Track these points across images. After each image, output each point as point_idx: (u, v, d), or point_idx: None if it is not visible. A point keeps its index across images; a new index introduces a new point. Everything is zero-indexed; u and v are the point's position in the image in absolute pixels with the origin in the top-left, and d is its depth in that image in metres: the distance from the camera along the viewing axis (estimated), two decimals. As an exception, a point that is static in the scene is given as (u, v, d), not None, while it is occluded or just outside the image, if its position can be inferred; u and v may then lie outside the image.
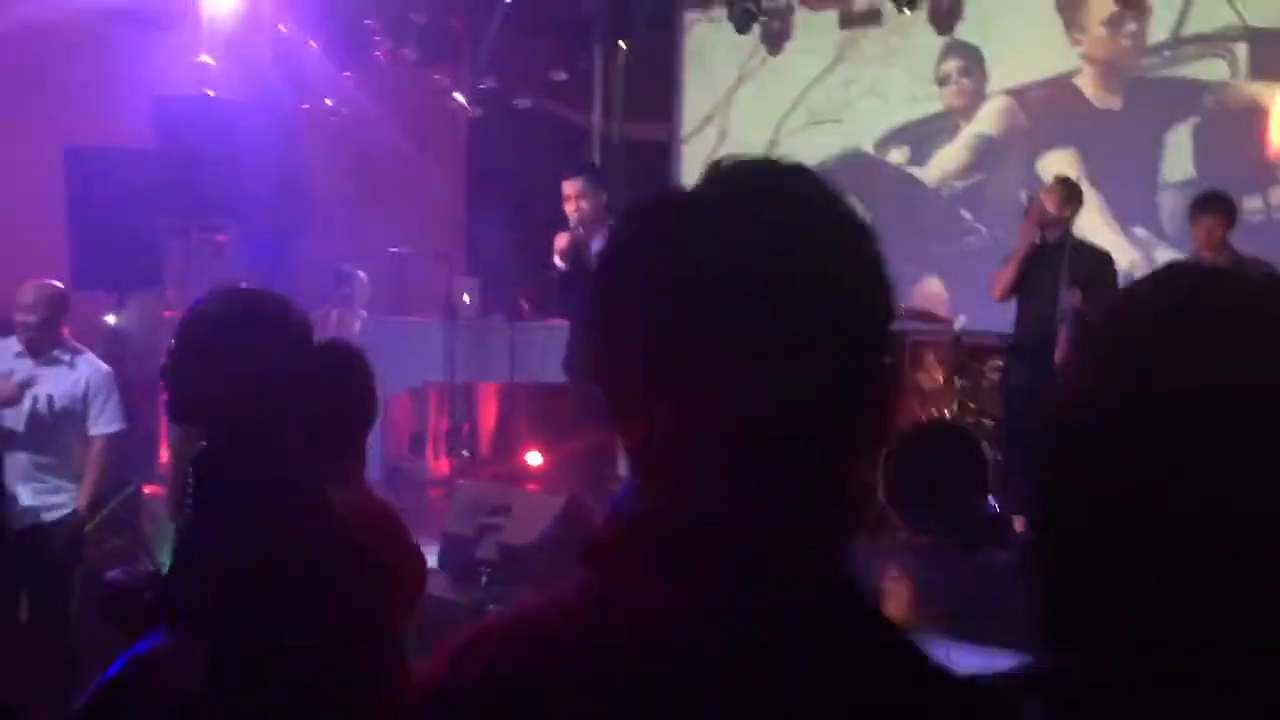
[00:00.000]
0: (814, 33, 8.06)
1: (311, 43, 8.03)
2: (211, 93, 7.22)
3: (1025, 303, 5.66)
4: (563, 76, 8.43)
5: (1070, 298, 5.34)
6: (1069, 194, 5.63)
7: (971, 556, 5.92)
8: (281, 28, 8.08)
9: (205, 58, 7.60)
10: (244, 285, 2.26)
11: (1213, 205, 5.57)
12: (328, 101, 7.80)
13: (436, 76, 8.52)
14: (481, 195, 9.41)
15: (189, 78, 7.43)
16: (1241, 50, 6.60)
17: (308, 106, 7.81)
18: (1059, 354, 5.32)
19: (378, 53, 8.02)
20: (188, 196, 6.85)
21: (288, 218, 8.69)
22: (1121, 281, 6.67)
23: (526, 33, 8.55)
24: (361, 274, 8.09)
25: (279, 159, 8.57)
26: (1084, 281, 5.39)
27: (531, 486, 6.77)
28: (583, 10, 8.70)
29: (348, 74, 7.96)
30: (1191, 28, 6.74)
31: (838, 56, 8.01)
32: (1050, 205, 5.58)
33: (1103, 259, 5.65)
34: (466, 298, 7.87)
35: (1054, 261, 5.49)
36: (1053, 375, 5.37)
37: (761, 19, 8.14)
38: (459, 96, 8.71)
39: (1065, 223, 5.60)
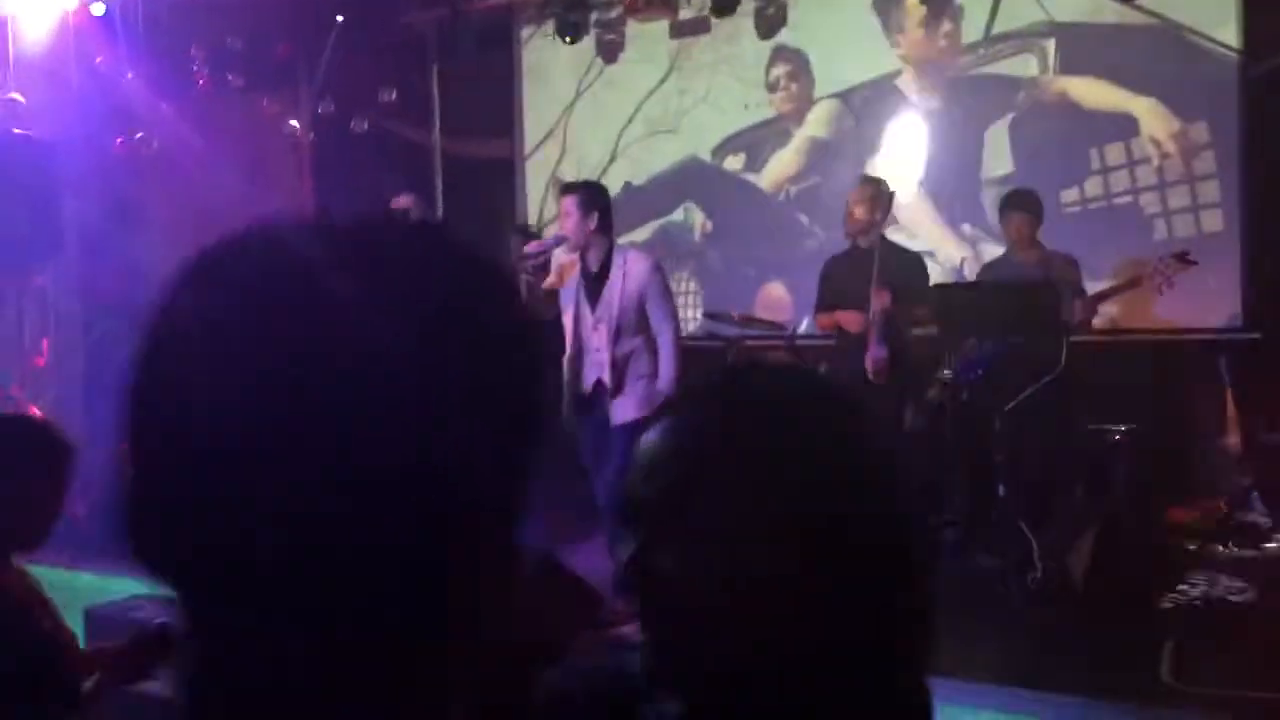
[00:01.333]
0: (647, 43, 8.04)
1: (129, 74, 7.76)
2: (18, 130, 6.94)
3: (837, 309, 5.66)
4: (392, 96, 8.27)
5: (879, 300, 5.36)
6: (876, 195, 5.62)
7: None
8: (98, 60, 7.80)
9: (15, 95, 7.30)
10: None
11: (1019, 203, 5.67)
12: (138, 135, 7.53)
13: (265, 103, 8.31)
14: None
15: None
16: (1050, 45, 6.75)
17: (121, 140, 7.55)
18: (869, 359, 5.36)
19: (199, 81, 7.77)
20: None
21: (121, 257, 8.42)
22: (951, 277, 6.80)
23: (360, 53, 8.39)
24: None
25: (106, 196, 8.31)
26: (895, 285, 5.41)
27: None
28: (415, 28, 8.55)
29: (165, 105, 7.70)
30: (1002, 25, 6.88)
31: (671, 66, 8.01)
32: (858, 210, 5.58)
33: (913, 261, 5.69)
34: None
35: (865, 266, 5.49)
36: (864, 379, 5.45)
37: (595, 30, 8.13)
38: (293, 123, 8.51)
39: (876, 226, 5.60)
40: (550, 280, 5.01)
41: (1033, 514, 5.12)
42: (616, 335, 4.86)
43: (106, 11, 7.68)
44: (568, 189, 5.14)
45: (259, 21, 8.22)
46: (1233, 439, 5.85)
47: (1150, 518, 5.45)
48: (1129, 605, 4.65)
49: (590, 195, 5.01)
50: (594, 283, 4.94)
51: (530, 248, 5.07)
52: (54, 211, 6.95)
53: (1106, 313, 5.90)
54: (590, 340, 4.89)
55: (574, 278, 4.97)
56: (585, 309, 4.92)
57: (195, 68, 7.69)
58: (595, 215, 4.90)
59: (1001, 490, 5.15)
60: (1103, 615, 4.68)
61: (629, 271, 4.91)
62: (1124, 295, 5.65)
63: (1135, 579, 4.73)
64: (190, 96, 8.14)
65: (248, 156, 8.66)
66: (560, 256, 5.12)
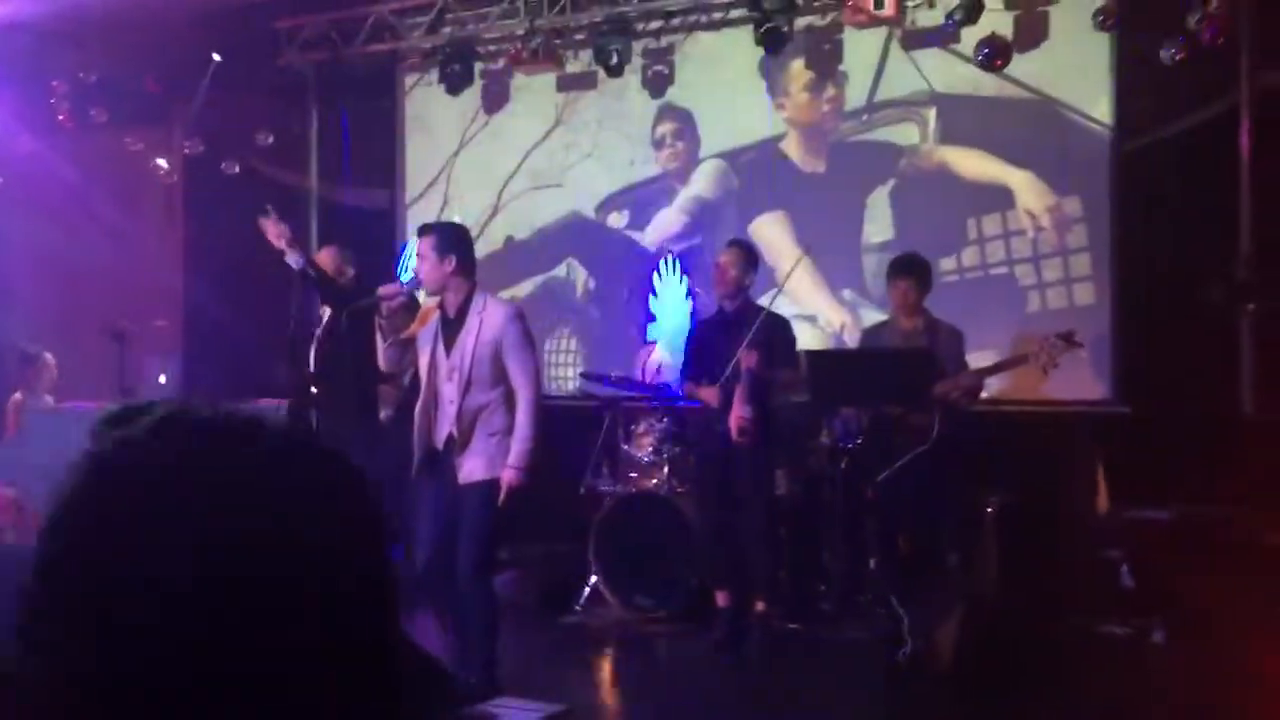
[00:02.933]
0: (533, 96, 7.92)
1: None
2: None
3: (704, 374, 5.53)
4: (269, 140, 8.00)
5: (747, 360, 5.25)
6: (744, 258, 5.56)
7: (680, 637, 5.77)
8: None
9: None
10: None
11: (906, 269, 5.63)
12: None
13: (127, 140, 7.96)
14: (198, 264, 8.88)
15: None
16: (931, 115, 6.79)
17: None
18: (732, 418, 5.24)
19: (60, 115, 7.41)
20: None
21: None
22: (829, 344, 6.75)
23: (236, 94, 8.11)
24: (48, 355, 7.42)
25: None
26: (759, 346, 5.31)
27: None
28: (294, 70, 8.30)
29: (25, 137, 7.32)
30: (885, 93, 6.91)
31: (557, 119, 7.90)
32: (728, 273, 5.49)
33: (780, 324, 5.60)
34: (163, 378, 7.31)
35: (733, 329, 5.39)
36: (725, 440, 5.32)
37: (480, 81, 7.98)
38: (161, 161, 8.17)
39: (744, 289, 5.52)
40: (412, 329, 4.69)
41: (904, 587, 5.03)
42: (467, 387, 4.47)
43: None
44: (424, 230, 4.79)
45: (128, 56, 7.90)
46: (1102, 511, 5.85)
47: (1021, 594, 5.39)
48: (995, 686, 4.56)
49: (446, 237, 4.62)
50: (450, 329, 4.55)
51: (383, 291, 4.76)
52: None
53: (988, 385, 5.89)
54: (444, 391, 4.56)
55: (431, 327, 4.66)
56: (440, 358, 4.57)
57: (54, 101, 7.31)
58: (452, 258, 4.51)
59: (873, 563, 5.05)
60: (969, 695, 4.58)
61: (485, 319, 4.50)
62: (1008, 370, 5.64)
63: (1002, 658, 4.64)
64: (52, 130, 7.77)
65: (113, 193, 8.30)
66: (425, 301, 4.84)
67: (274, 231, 5.29)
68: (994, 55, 6.04)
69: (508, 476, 4.40)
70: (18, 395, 7.26)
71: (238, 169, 8.12)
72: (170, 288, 8.94)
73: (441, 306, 4.61)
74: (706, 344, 5.53)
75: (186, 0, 7.62)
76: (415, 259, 4.75)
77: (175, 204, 8.85)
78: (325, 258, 6.05)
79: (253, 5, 7.87)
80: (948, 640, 4.74)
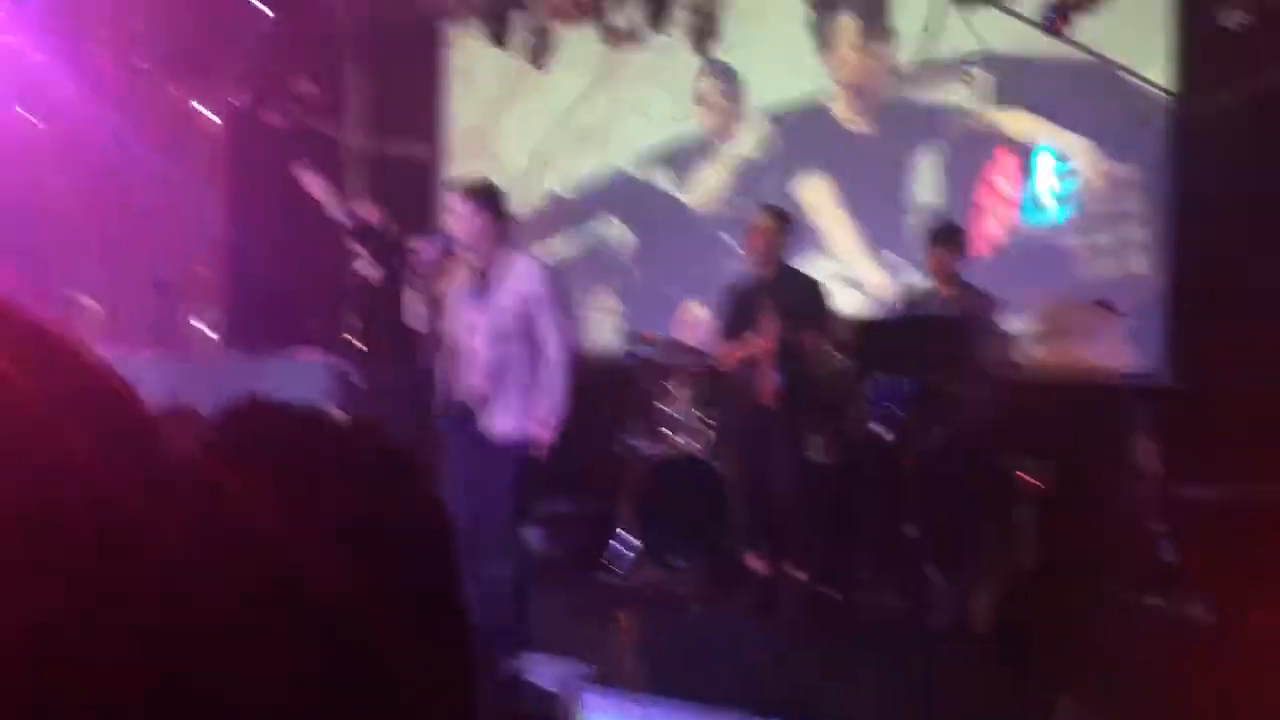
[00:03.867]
0: (576, 49, 7.82)
1: (34, 49, 7.37)
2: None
3: (739, 337, 5.49)
4: (313, 90, 7.96)
5: (773, 328, 5.22)
6: (777, 224, 5.50)
7: (714, 596, 5.74)
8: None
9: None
10: None
11: (944, 236, 5.54)
12: (18, 109, 7.14)
13: (171, 88, 7.95)
14: (242, 214, 8.89)
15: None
16: (983, 75, 6.62)
17: (19, 113, 7.16)
18: (763, 385, 5.20)
19: (103, 62, 7.41)
20: None
21: (14, 240, 8.02)
22: (870, 308, 6.65)
23: (278, 44, 8.07)
24: (92, 302, 7.48)
25: (4, 177, 7.90)
26: (792, 312, 5.28)
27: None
28: (336, 22, 8.25)
29: (71, 83, 7.31)
30: (936, 52, 6.74)
31: (601, 73, 7.79)
32: (758, 238, 5.46)
33: (810, 286, 5.53)
34: (202, 327, 7.34)
35: (768, 292, 5.35)
36: (757, 409, 5.27)
37: (524, 34, 7.89)
38: (204, 110, 8.16)
39: (778, 254, 5.48)
40: (440, 284, 4.66)
41: (939, 556, 4.97)
42: (497, 341, 4.46)
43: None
44: (457, 185, 4.77)
45: (174, 6, 7.87)
46: (1148, 486, 5.74)
47: (1058, 566, 5.31)
48: (1031, 656, 4.50)
49: (481, 192, 4.57)
50: (482, 286, 4.53)
51: (417, 246, 4.73)
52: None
53: (1026, 353, 5.78)
54: (475, 347, 4.54)
55: (464, 279, 4.60)
56: (471, 313, 4.54)
57: (97, 48, 7.31)
58: (487, 214, 4.49)
59: (909, 530, 4.99)
60: (1001, 664, 4.53)
61: (518, 275, 4.48)
62: (1045, 338, 5.53)
63: (1038, 628, 4.58)
64: (99, 76, 7.76)
65: (161, 143, 8.30)
66: (456, 262, 4.79)
67: (314, 184, 5.28)
68: (1057, 15, 5.85)
69: (537, 432, 4.38)
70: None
71: (280, 119, 8.09)
72: (212, 237, 8.96)
73: (472, 263, 4.57)
74: (742, 307, 5.48)
75: (231, -52, 7.56)
76: (448, 214, 4.70)
77: (218, 153, 8.84)
78: (365, 209, 6.03)
79: (297, -46, 7.81)
80: (984, 609, 4.68)
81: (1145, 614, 5.23)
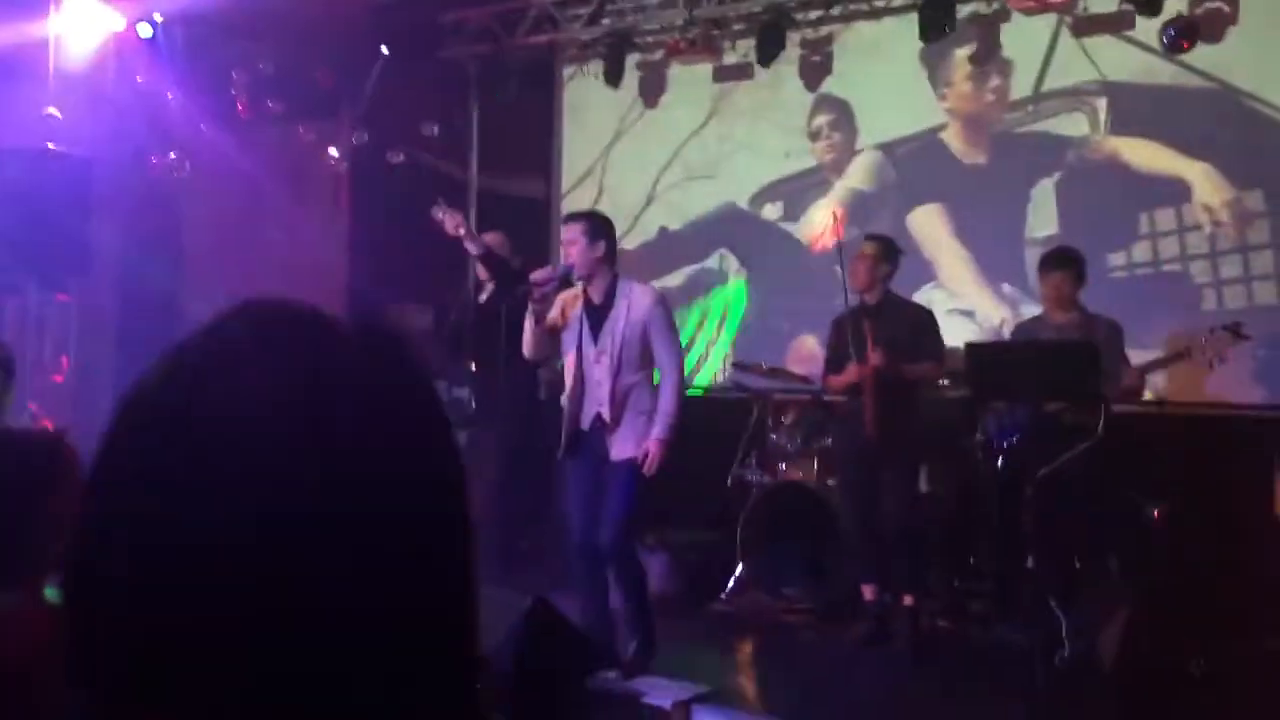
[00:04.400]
0: (689, 87, 7.94)
1: (171, 94, 7.77)
2: (53, 145, 6.92)
3: (846, 366, 5.49)
4: (434, 130, 8.22)
5: (876, 359, 5.22)
6: (883, 253, 5.50)
7: (825, 626, 5.70)
8: (140, 78, 7.82)
9: (52, 110, 7.30)
10: None
11: (1060, 262, 5.45)
12: (172, 155, 7.51)
13: (302, 130, 8.28)
14: (361, 251, 9.18)
15: (35, 131, 7.14)
16: (1102, 104, 6.55)
17: (156, 160, 7.53)
18: (866, 416, 5.20)
19: (239, 106, 7.76)
20: (22, 253, 6.53)
21: (151, 274, 8.40)
22: (990, 338, 6.57)
23: (401, 85, 8.36)
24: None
25: (140, 215, 8.30)
26: (897, 339, 5.27)
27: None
28: (457, 62, 8.52)
29: (204, 127, 7.68)
30: (1053, 82, 6.69)
31: (713, 110, 7.90)
32: (862, 267, 5.46)
33: (916, 314, 5.52)
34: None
35: (875, 321, 5.36)
36: (864, 438, 5.25)
37: (637, 72, 8.05)
38: (332, 151, 8.48)
39: (882, 282, 5.48)
40: (553, 316, 4.82)
41: (1063, 589, 4.87)
42: (618, 369, 4.64)
43: (152, 32, 7.71)
44: (572, 218, 4.99)
45: (301, 49, 8.22)
46: (1278, 520, 5.55)
47: (1187, 599, 5.15)
48: (1161, 692, 4.37)
49: (596, 224, 4.82)
50: (597, 315, 4.74)
51: (536, 277, 4.87)
52: (83, 228, 6.91)
53: (1150, 382, 5.65)
54: (592, 373, 4.69)
55: (576, 314, 4.79)
56: (588, 342, 4.73)
57: (235, 92, 7.66)
58: (601, 244, 4.72)
59: (1031, 562, 4.89)
60: (1133, 701, 4.41)
61: (633, 303, 4.70)
62: (1171, 366, 5.40)
63: (1169, 664, 4.45)
64: (229, 120, 8.13)
65: (285, 182, 8.64)
66: (563, 294, 4.96)
67: (450, 222, 5.48)
68: (1180, 37, 5.77)
69: (652, 449, 4.59)
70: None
71: (402, 158, 8.36)
72: (333, 273, 9.26)
73: (586, 293, 4.72)
74: (846, 336, 5.48)
75: (357, -6, 7.88)
76: (564, 245, 4.87)
77: (341, 192, 9.16)
78: (494, 242, 6.18)
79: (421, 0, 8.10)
80: (1110, 645, 4.57)
81: (1277, 656, 5.04)
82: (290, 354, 0.71)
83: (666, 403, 4.62)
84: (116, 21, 7.65)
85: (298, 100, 8.24)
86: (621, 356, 4.63)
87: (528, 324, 4.79)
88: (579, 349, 4.73)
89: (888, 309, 5.43)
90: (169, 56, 7.78)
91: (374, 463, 0.69)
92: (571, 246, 4.77)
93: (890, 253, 5.55)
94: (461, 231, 5.52)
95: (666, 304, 4.86)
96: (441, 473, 0.73)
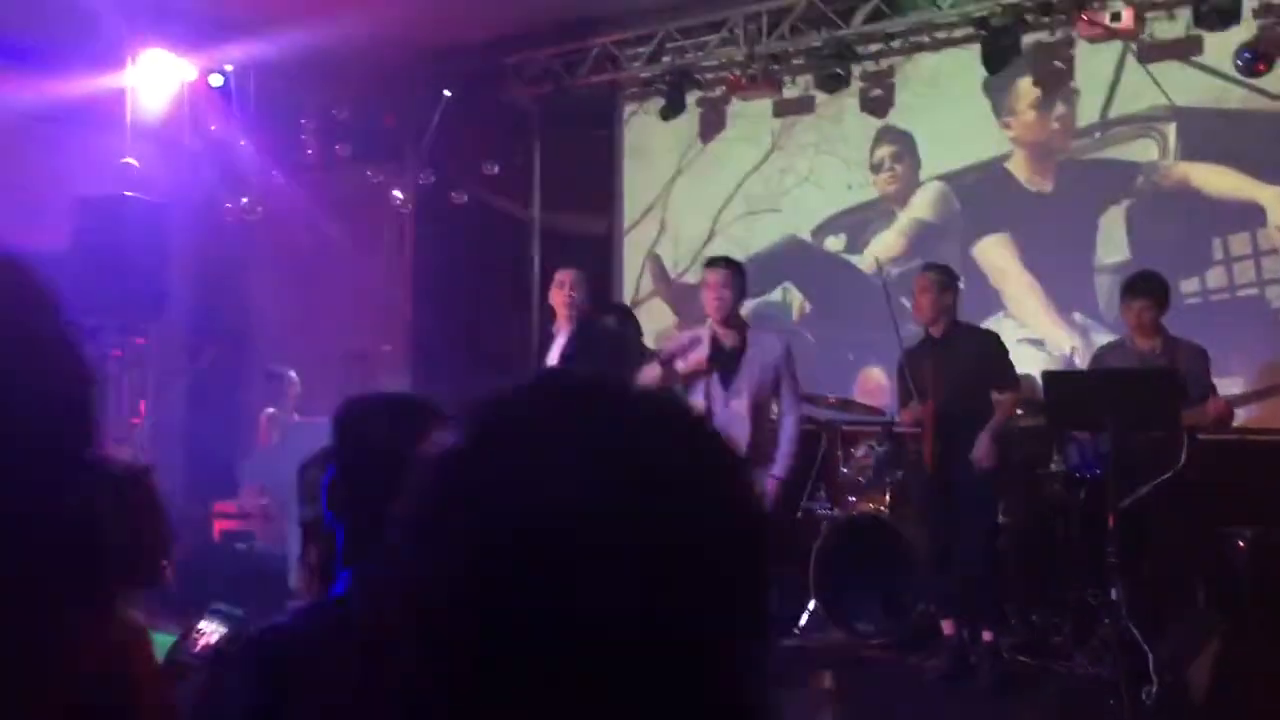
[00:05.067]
0: (749, 122, 7.98)
1: (242, 141, 7.94)
2: (130, 193, 7.10)
3: (916, 398, 5.45)
4: (495, 170, 8.33)
5: (940, 393, 5.27)
6: (941, 283, 5.45)
7: (902, 661, 5.63)
8: (212, 127, 8.01)
9: (129, 159, 7.50)
10: None
11: (1143, 287, 5.37)
12: (244, 200, 7.66)
13: (369, 173, 8.43)
14: (426, 291, 9.29)
15: (113, 179, 7.33)
16: (1171, 130, 6.49)
17: (230, 205, 7.70)
18: (925, 451, 5.19)
19: (308, 150, 7.92)
20: (102, 298, 6.68)
21: (222, 317, 8.56)
22: (1061, 367, 6.50)
23: (464, 127, 8.49)
24: (292, 373, 7.91)
25: (212, 259, 8.48)
26: (963, 369, 5.24)
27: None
28: (518, 103, 8.63)
29: (275, 172, 7.85)
30: (1119, 109, 6.64)
31: (774, 145, 7.92)
32: (923, 299, 5.41)
33: (984, 342, 5.47)
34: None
35: (942, 352, 5.34)
36: (932, 471, 5.23)
37: (697, 109, 8.10)
38: (397, 193, 8.61)
39: (946, 311, 5.44)
40: (688, 365, 5.10)
41: (1149, 621, 4.77)
42: (757, 409, 5.02)
43: (224, 82, 7.91)
44: (716, 262, 5.30)
45: (367, 94, 8.38)
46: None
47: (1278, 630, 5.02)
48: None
49: (738, 272, 5.23)
50: (727, 357, 5.09)
51: (669, 346, 5.27)
52: (160, 273, 7.07)
53: (1237, 411, 5.55)
54: (723, 414, 4.94)
55: (702, 349, 5.12)
56: (716, 386, 4.98)
57: (304, 137, 7.82)
58: (737, 290, 5.13)
59: (1115, 594, 4.81)
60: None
61: (765, 346, 5.13)
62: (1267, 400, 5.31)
63: (1263, 698, 4.34)
64: (299, 164, 8.30)
65: (352, 223, 8.78)
66: (686, 346, 5.23)
67: (566, 278, 5.58)
68: (1256, 60, 5.71)
69: (772, 485, 4.94)
70: (271, 410, 7.78)
71: (465, 199, 8.47)
72: (398, 313, 9.38)
73: (715, 338, 5.08)
74: (913, 371, 5.44)
75: (422, 39, 8.02)
76: (705, 289, 5.19)
77: (406, 233, 9.29)
78: (571, 279, 5.92)
79: (484, 43, 8.22)
80: (1201, 678, 4.46)
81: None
82: (584, 430, 0.73)
83: (789, 442, 5.03)
84: (189, 72, 7.87)
85: (365, 144, 8.39)
86: (758, 398, 5.03)
87: (648, 369, 4.96)
88: (707, 394, 4.97)
89: (955, 339, 5.37)
90: (240, 105, 7.97)
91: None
92: (713, 289, 5.12)
93: (952, 281, 5.52)
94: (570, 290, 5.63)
95: (793, 353, 5.28)
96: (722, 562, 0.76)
